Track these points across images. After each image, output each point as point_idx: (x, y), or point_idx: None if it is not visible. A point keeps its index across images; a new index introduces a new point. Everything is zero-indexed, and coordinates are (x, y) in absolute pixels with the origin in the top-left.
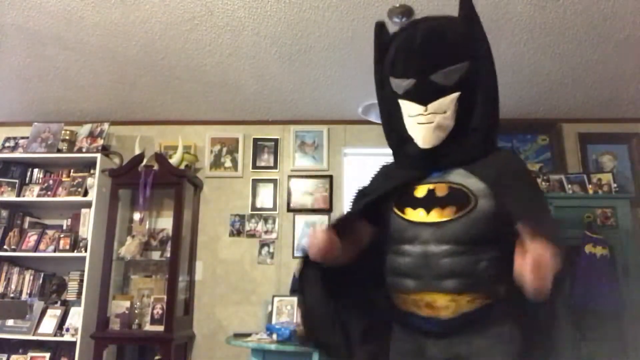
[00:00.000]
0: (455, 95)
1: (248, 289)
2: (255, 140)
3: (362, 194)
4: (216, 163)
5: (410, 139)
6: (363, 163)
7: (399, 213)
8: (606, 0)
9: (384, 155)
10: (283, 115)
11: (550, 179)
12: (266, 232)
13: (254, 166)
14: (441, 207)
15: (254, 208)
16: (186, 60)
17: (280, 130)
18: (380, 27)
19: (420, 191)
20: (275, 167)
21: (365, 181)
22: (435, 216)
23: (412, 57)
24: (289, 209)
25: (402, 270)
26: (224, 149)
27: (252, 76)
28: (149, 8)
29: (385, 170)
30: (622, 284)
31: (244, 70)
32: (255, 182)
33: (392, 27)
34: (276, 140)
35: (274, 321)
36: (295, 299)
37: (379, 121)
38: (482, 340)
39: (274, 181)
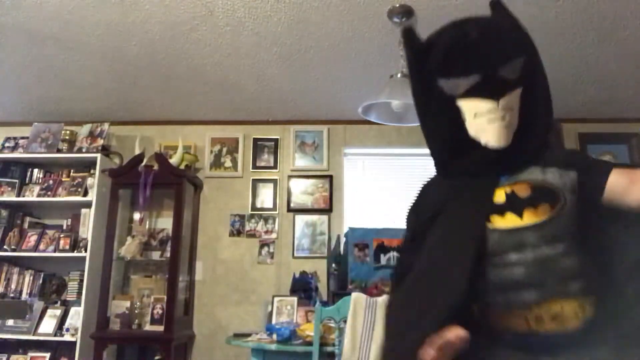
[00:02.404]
0: (519, 90)
1: (248, 289)
2: (255, 140)
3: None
4: (216, 163)
5: (473, 144)
6: (363, 163)
7: (485, 224)
8: (606, 0)
9: (384, 155)
10: (283, 115)
11: None
12: (266, 232)
13: (254, 166)
14: (532, 207)
15: (254, 208)
16: (186, 60)
17: (280, 130)
18: (409, 33)
19: (498, 197)
20: (275, 167)
21: (417, 212)
22: (531, 217)
23: (473, 51)
24: (289, 209)
25: (516, 282)
26: (224, 149)
27: (252, 76)
28: (149, 8)
29: (437, 189)
30: None
31: (244, 70)
32: (255, 182)
33: (392, 27)
34: (276, 140)
35: (274, 321)
36: (295, 299)
37: (379, 121)
38: (602, 351)
39: (274, 181)
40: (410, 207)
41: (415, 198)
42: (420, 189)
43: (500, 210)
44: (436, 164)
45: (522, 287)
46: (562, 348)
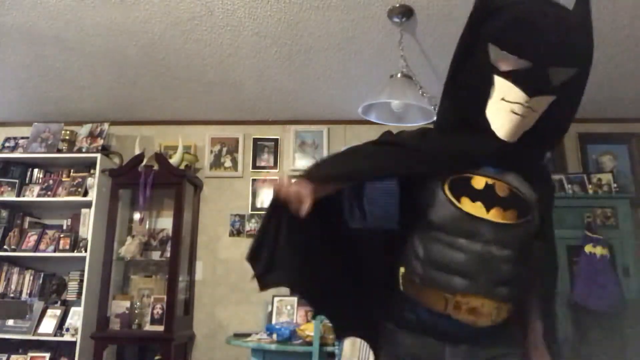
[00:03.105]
0: (552, 98)
1: (248, 289)
2: (255, 140)
3: (398, 145)
4: (216, 163)
5: (483, 123)
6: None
7: (453, 200)
8: (606, 0)
9: None
10: (283, 115)
11: None
12: None
13: (254, 166)
14: (503, 207)
15: (254, 208)
16: (186, 60)
17: (280, 130)
18: None
19: (478, 182)
20: (275, 167)
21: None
22: (495, 215)
23: (540, 38)
24: None
25: (453, 266)
26: (224, 149)
27: (252, 76)
28: (149, 8)
29: (432, 138)
30: (622, 284)
31: (244, 70)
32: (255, 182)
33: (392, 27)
34: (276, 140)
35: (274, 321)
36: (295, 299)
37: (379, 121)
38: (501, 347)
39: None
40: (402, 136)
41: (415, 135)
42: (422, 131)
43: (474, 195)
44: (438, 119)
45: (455, 273)
46: (466, 339)
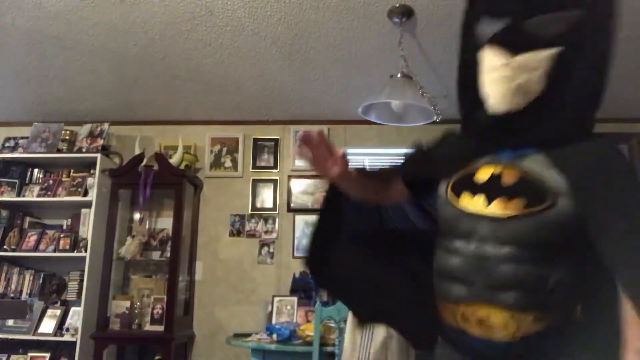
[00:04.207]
0: (554, 51)
1: (248, 289)
2: (255, 140)
3: (418, 158)
4: (216, 163)
5: (483, 103)
6: (363, 163)
7: (451, 198)
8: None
9: (384, 155)
10: (283, 115)
11: None
12: (266, 232)
13: (254, 166)
14: (507, 197)
15: (254, 208)
16: (186, 60)
17: (280, 130)
18: None
19: (483, 173)
20: (275, 167)
21: (428, 144)
22: (497, 208)
23: None
24: (289, 209)
25: (450, 272)
26: (224, 149)
27: (252, 76)
28: (149, 8)
29: (451, 140)
30: None
31: (244, 70)
32: (255, 182)
33: (392, 27)
34: (276, 140)
35: (274, 321)
36: (295, 299)
37: (379, 121)
38: None
39: (274, 181)
40: (429, 146)
41: (437, 141)
42: (444, 135)
43: (474, 189)
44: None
45: (454, 280)
46: (489, 357)
